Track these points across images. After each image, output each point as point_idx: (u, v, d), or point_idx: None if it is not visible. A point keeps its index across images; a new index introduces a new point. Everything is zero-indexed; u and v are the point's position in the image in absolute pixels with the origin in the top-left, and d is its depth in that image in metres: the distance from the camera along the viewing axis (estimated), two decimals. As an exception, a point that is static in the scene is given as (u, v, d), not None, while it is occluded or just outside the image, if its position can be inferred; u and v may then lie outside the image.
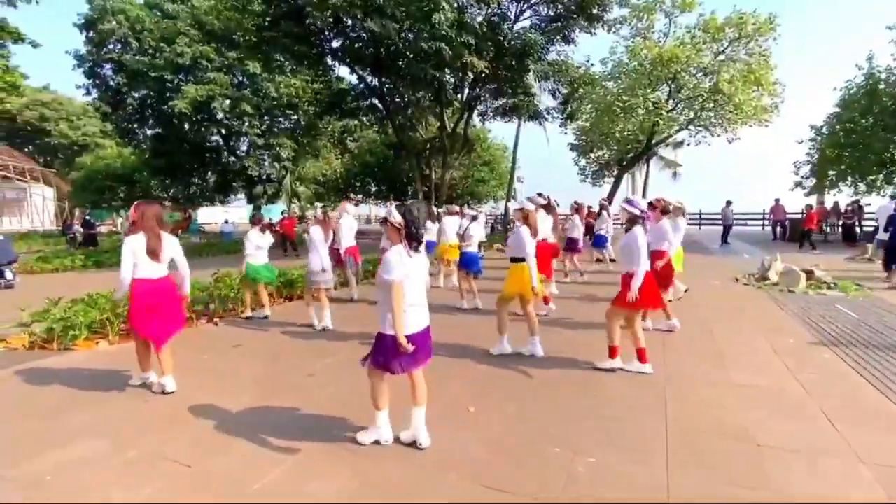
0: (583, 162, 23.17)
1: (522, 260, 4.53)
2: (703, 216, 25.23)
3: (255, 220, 6.71)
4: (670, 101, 17.01)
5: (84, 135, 44.38)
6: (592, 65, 16.11)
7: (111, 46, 23.87)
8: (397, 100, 16.45)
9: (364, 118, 20.29)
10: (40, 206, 41.43)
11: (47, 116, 44.10)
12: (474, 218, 7.57)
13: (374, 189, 30.52)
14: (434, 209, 8.75)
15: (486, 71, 12.75)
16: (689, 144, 20.31)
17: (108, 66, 24.41)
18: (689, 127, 17.96)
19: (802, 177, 20.28)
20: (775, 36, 15.51)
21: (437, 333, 5.15)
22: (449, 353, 4.70)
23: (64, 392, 3.87)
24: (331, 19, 13.20)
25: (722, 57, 16.12)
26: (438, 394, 3.65)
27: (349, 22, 12.16)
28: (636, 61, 16.06)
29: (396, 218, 2.71)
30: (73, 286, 7.33)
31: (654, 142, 18.59)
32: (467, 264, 7.02)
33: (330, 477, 2.56)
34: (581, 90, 16.02)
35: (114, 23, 23.12)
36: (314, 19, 11.42)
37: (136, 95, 24.76)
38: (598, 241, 10.51)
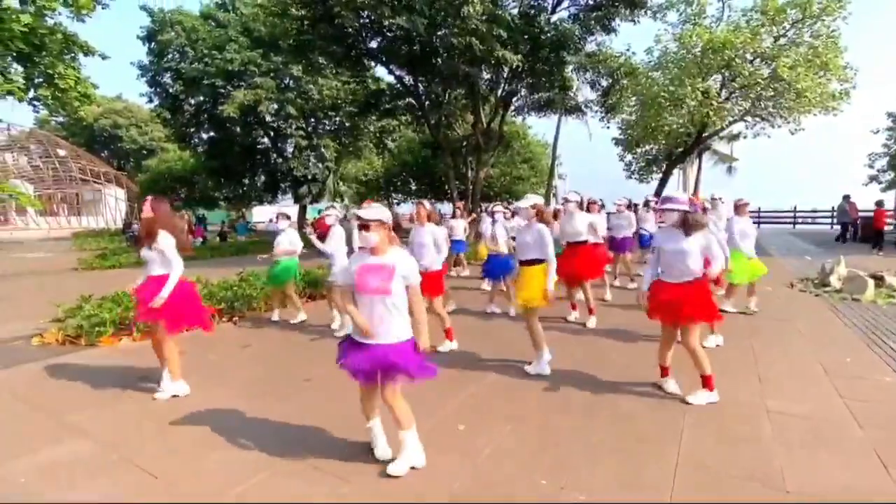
0: (628, 157, 22.04)
1: (534, 262, 4.16)
2: (762, 214, 23.35)
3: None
4: (723, 91, 15.77)
5: (151, 139, 47.88)
6: (634, 53, 15.19)
7: (170, 56, 25.37)
8: (433, 97, 16.32)
9: (402, 117, 20.36)
10: (113, 206, 45.03)
11: (120, 123, 47.96)
12: (492, 216, 7.20)
13: (414, 188, 30.66)
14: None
15: (520, 65, 12.33)
16: (745, 137, 18.78)
17: (168, 74, 25.96)
18: (746, 118, 16.58)
19: (878, 170, 18.25)
20: (845, 15, 13.94)
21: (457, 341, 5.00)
22: (457, 363, 4.47)
23: (74, 389, 3.98)
24: (367, 20, 13.27)
25: (783, 41, 14.71)
26: (433, 408, 3.43)
27: (377, 20, 12.09)
28: (684, 49, 14.99)
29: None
30: (118, 282, 7.57)
31: (705, 135, 17.33)
32: (491, 271, 6.55)
33: (299, 499, 2.42)
34: (623, 81, 15.12)
35: (172, 33, 24.55)
36: (343, 19, 11.48)
37: (193, 102, 26.21)
38: (644, 242, 9.87)
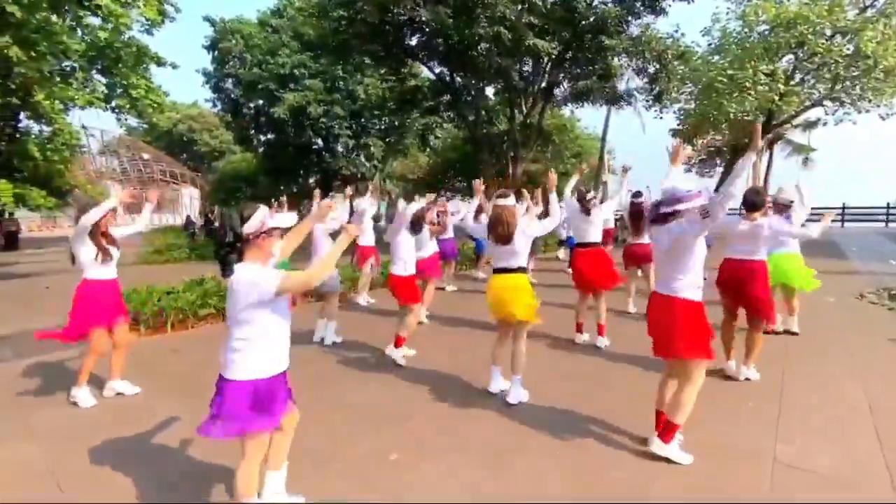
0: (688, 149, 20.31)
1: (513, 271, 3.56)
2: (846, 211, 20.59)
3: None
4: (797, 73, 14.01)
5: (221, 143, 51.48)
6: (683, 35, 13.65)
7: (231, 63, 26.93)
8: (473, 93, 15.94)
9: (444, 114, 20.15)
10: (188, 205, 48.96)
11: (194, 128, 52.05)
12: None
13: (461, 184, 30.33)
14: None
15: (553, 54, 11.59)
16: (825, 124, 16.58)
17: (229, 80, 27.59)
18: (825, 102, 14.60)
19: None
20: (951, -24, 11.82)
21: (428, 356, 4.55)
22: (417, 378, 4.13)
23: (56, 385, 4.09)
24: (400, 16, 13.13)
25: (870, 12, 12.75)
26: (368, 430, 3.12)
27: (405, 14, 11.84)
28: (747, 28, 13.42)
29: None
30: (158, 277, 7.69)
31: (774, 122, 15.50)
32: None
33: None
34: (675, 64, 13.68)
35: (232, 41, 26.06)
36: (366, 14, 11.35)
37: (251, 106, 27.72)
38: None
